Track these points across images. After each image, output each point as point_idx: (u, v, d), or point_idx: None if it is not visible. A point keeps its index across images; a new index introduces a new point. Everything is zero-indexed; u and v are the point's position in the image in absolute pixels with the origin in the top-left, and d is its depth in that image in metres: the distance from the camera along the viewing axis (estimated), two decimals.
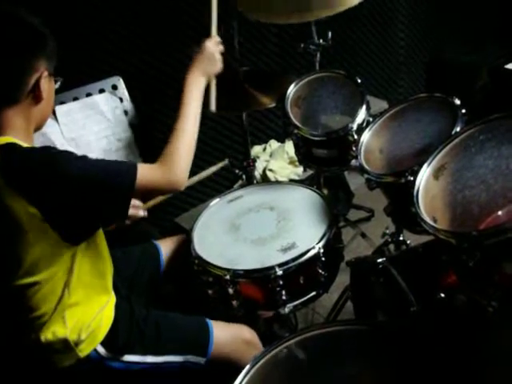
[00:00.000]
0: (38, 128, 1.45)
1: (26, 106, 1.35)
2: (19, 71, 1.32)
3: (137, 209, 1.76)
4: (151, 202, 1.81)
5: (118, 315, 1.53)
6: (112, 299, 1.55)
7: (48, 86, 1.38)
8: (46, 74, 1.35)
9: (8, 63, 1.30)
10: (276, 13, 2.12)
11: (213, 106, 1.75)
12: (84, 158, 1.34)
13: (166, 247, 1.87)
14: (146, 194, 1.53)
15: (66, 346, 1.43)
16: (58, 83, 1.45)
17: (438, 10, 3.49)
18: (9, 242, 1.33)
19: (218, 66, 1.69)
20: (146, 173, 1.39)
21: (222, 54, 1.72)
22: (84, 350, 1.44)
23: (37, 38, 1.35)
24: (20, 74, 1.32)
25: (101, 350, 1.46)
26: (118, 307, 1.55)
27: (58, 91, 1.48)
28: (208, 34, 1.76)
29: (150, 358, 1.51)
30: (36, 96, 1.35)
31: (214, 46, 1.70)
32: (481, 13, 3.52)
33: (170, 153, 1.46)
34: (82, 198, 1.31)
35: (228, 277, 1.64)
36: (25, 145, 1.34)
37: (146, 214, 1.79)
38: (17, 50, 1.31)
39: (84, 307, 1.45)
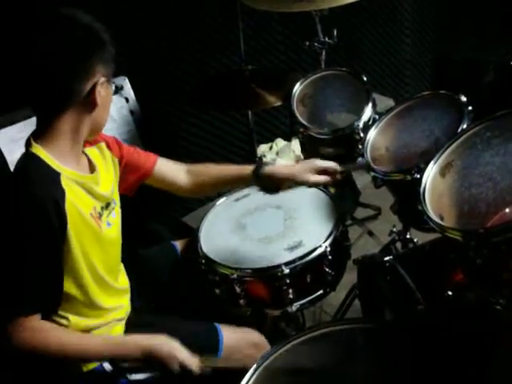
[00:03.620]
0: (94, 135, 1.42)
1: (79, 112, 1.31)
2: (76, 75, 1.27)
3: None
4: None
5: (127, 333, 1.51)
6: (122, 315, 1.53)
7: (105, 92, 1.33)
8: (102, 79, 1.30)
9: (64, 67, 1.25)
10: (278, 1, 2.12)
11: None
12: (33, 248, 1.24)
13: (181, 248, 1.85)
14: None
15: None
16: (113, 87, 1.40)
17: (444, 6, 3.47)
18: None
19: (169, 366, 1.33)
20: (15, 326, 1.24)
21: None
22: (88, 365, 1.41)
23: (94, 42, 1.30)
24: (76, 78, 1.27)
25: (107, 366, 1.42)
26: (128, 324, 1.53)
27: None
28: None
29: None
30: (91, 102, 1.30)
31: (181, 358, 1.32)
32: (487, 8, 3.50)
33: (43, 341, 1.26)
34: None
35: (235, 276, 1.64)
36: (49, 160, 1.28)
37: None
38: (74, 53, 1.26)
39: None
